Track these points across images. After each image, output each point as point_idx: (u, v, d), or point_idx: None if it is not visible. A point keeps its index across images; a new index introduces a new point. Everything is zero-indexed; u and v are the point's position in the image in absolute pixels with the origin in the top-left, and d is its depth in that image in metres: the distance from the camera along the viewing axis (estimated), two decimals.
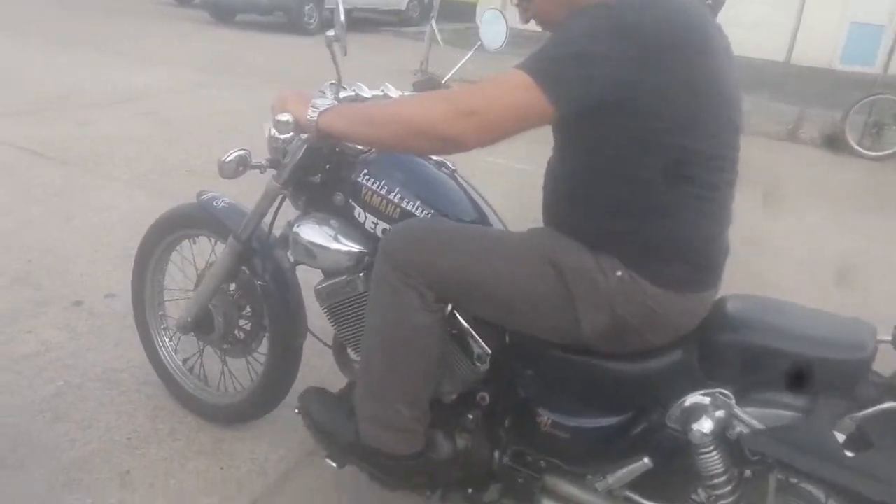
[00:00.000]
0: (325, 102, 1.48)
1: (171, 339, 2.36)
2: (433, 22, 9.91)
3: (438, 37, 10.83)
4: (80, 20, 11.05)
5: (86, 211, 3.86)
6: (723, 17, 2.05)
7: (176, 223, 2.20)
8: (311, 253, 1.71)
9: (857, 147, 7.14)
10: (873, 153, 7.07)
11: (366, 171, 1.69)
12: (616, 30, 1.20)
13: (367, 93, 1.77)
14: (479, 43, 1.91)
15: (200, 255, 2.24)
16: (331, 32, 1.65)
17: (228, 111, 6.35)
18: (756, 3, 12.21)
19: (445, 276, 1.44)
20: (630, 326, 1.38)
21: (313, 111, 1.45)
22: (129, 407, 2.34)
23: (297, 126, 1.50)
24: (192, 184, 4.38)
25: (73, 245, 3.42)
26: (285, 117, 1.49)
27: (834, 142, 7.28)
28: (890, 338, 1.32)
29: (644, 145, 1.27)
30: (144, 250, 2.27)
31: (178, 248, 2.28)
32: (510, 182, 4.49)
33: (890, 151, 7.01)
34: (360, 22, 14.43)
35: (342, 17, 1.61)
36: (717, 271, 1.44)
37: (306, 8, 12.23)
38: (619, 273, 1.36)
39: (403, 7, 14.88)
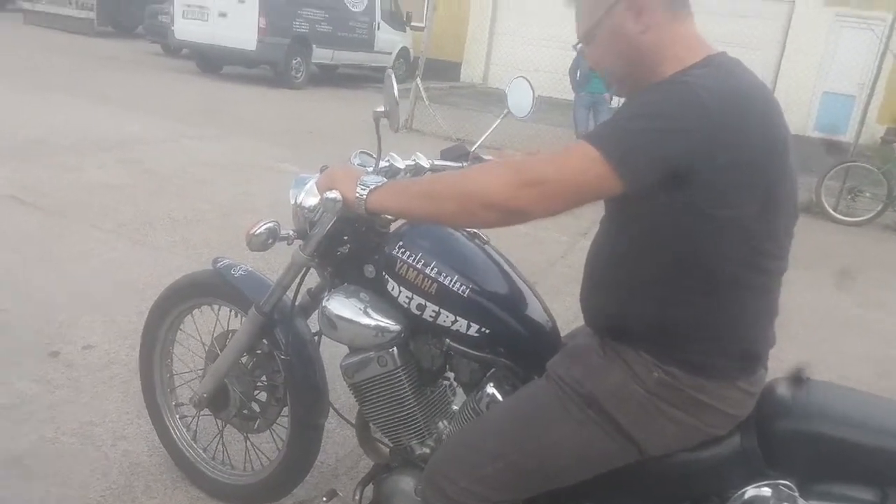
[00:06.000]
0: (373, 180, 1.39)
1: (180, 415, 2.26)
2: (418, 80, 10.17)
3: (423, 95, 11.06)
4: (70, 67, 11.10)
5: (65, 259, 3.80)
6: None
7: (190, 292, 2.10)
8: (340, 328, 1.65)
9: (833, 213, 7.31)
10: (849, 219, 7.24)
11: (401, 243, 1.62)
12: (690, 106, 1.16)
13: (400, 163, 1.73)
14: (507, 111, 1.90)
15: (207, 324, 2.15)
16: (380, 108, 1.58)
17: (212, 162, 6.37)
18: None
19: (499, 481, 1.39)
20: (688, 423, 1.31)
21: (362, 189, 1.37)
22: (103, 463, 2.26)
23: (346, 204, 1.41)
24: (173, 233, 4.38)
25: (51, 294, 3.35)
26: (333, 195, 1.41)
27: (810, 207, 7.44)
28: None
29: (707, 224, 1.22)
30: (154, 319, 2.17)
31: (188, 317, 2.19)
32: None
33: (865, 218, 7.20)
34: (345, 78, 14.68)
35: (396, 93, 1.53)
36: (761, 359, 1.37)
37: (294, 62, 12.41)
38: (655, 374, 1.30)
39: (390, 64, 15.16)
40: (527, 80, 1.92)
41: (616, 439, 1.33)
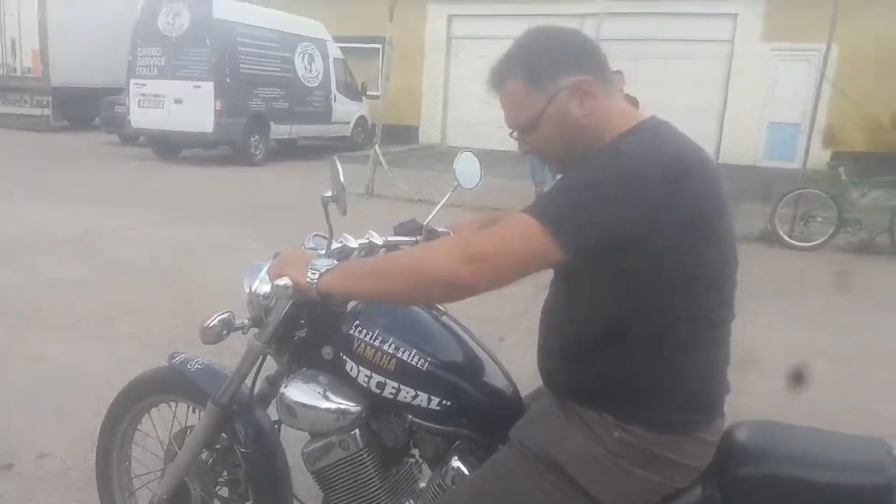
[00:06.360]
0: (324, 263, 1.42)
1: None
2: (377, 147, 10.33)
3: (382, 160, 11.20)
4: (27, 165, 11.08)
5: (21, 363, 3.73)
6: None
7: (146, 390, 2.06)
8: (299, 414, 1.63)
9: (788, 239, 7.47)
10: (805, 244, 7.40)
11: (357, 322, 1.63)
12: (624, 175, 1.22)
13: (353, 243, 1.74)
14: (457, 184, 1.95)
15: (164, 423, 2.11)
16: (328, 193, 1.60)
17: (173, 247, 6.35)
18: (680, 112, 13.08)
19: None
20: (651, 480, 1.33)
21: (313, 273, 1.40)
22: None
23: (297, 289, 1.43)
24: (133, 325, 4.32)
25: (5, 401, 3.27)
26: (283, 282, 1.43)
27: (767, 236, 7.59)
28: None
29: (651, 286, 1.26)
30: (110, 421, 2.11)
31: (145, 417, 2.14)
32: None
33: (819, 242, 7.37)
34: (306, 150, 14.83)
35: (342, 178, 1.57)
36: (717, 408, 1.39)
37: (252, 139, 12.56)
38: (615, 434, 1.31)
39: (348, 133, 15.41)
40: (473, 153, 1.99)
41: (581, 502, 1.34)
